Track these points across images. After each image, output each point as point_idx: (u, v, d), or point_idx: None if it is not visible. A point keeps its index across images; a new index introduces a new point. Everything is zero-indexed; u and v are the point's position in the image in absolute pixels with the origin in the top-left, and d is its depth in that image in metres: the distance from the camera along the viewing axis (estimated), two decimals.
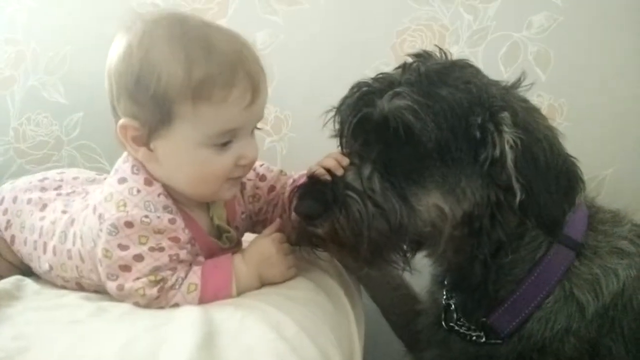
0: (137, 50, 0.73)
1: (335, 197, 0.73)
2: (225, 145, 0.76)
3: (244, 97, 0.74)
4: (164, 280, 0.74)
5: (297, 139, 1.33)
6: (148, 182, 0.78)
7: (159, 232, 0.75)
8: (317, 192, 0.74)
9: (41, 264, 0.86)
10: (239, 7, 1.30)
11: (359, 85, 0.79)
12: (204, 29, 0.76)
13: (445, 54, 0.83)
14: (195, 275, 0.76)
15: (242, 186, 0.90)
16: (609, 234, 0.81)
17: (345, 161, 0.77)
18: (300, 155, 1.25)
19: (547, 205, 0.72)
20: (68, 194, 0.91)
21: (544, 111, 0.82)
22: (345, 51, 1.28)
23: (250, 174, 0.90)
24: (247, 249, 0.83)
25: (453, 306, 0.86)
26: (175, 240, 0.76)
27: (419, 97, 0.73)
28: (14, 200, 0.91)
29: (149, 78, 0.72)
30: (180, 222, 0.77)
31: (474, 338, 0.82)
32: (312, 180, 0.76)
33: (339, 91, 0.82)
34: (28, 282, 0.84)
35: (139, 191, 0.76)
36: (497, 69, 1.23)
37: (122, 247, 0.74)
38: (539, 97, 1.21)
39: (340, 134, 0.82)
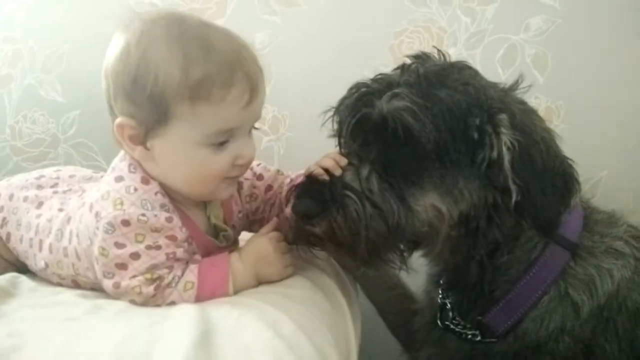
0: (135, 50, 0.73)
1: (333, 197, 0.73)
2: (222, 144, 0.76)
3: (242, 97, 0.74)
4: (160, 278, 0.74)
5: (295, 138, 1.33)
6: (145, 181, 0.77)
7: (156, 230, 0.75)
8: (315, 192, 0.74)
9: (37, 262, 0.86)
10: (238, 7, 1.31)
11: (357, 86, 0.80)
12: (203, 29, 0.76)
13: (443, 55, 0.83)
14: (192, 274, 0.76)
15: (239, 185, 0.90)
16: (605, 235, 0.82)
17: (344, 161, 0.77)
18: (297, 155, 1.26)
19: (544, 207, 0.73)
20: (64, 192, 0.90)
21: (541, 113, 0.82)
22: (344, 52, 1.29)
23: (248, 174, 0.90)
24: (244, 248, 0.83)
25: (449, 305, 0.86)
26: (172, 238, 0.76)
27: (417, 98, 0.73)
28: (10, 197, 0.91)
29: (146, 78, 0.72)
30: (177, 221, 0.77)
31: (470, 337, 0.82)
32: (310, 179, 0.76)
33: (336, 91, 0.82)
34: (24, 279, 0.84)
35: (135, 189, 0.76)
36: (494, 71, 1.23)
37: (119, 246, 0.74)
38: (536, 100, 1.21)
39: (338, 134, 0.82)
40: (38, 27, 1.36)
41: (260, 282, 0.80)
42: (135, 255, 0.74)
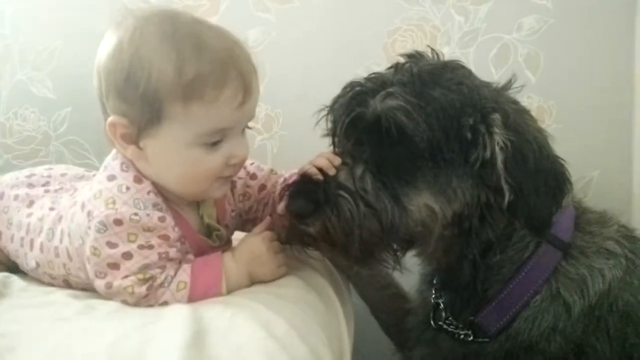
0: (128, 47, 0.72)
1: (327, 197, 0.73)
2: (215, 144, 0.76)
3: (235, 96, 0.74)
4: (152, 278, 0.74)
5: (288, 137, 1.32)
6: (137, 180, 0.77)
7: (149, 229, 0.74)
8: (309, 191, 0.74)
9: (28, 261, 0.85)
10: (231, 4, 1.30)
11: (351, 85, 0.79)
12: (196, 27, 0.75)
13: (437, 54, 0.83)
14: (184, 273, 0.76)
15: (233, 185, 0.90)
16: (596, 235, 0.82)
17: (338, 161, 0.77)
18: (290, 154, 1.26)
19: (536, 206, 0.73)
20: (56, 191, 0.90)
21: (533, 113, 0.82)
22: (337, 50, 1.28)
23: (241, 173, 0.90)
24: (237, 247, 0.82)
25: (442, 305, 0.86)
26: (165, 238, 0.76)
27: (411, 97, 0.73)
28: (1, 196, 0.90)
29: (139, 76, 0.71)
30: (170, 220, 0.77)
31: (462, 336, 0.82)
32: (304, 179, 0.76)
33: (330, 89, 0.82)
34: (14, 279, 0.83)
35: (128, 189, 0.76)
36: (487, 70, 1.24)
37: (111, 245, 0.73)
38: (528, 99, 1.22)
39: (332, 134, 0.82)
40: (29, 23, 1.35)
41: (253, 281, 0.80)
42: (128, 255, 0.73)
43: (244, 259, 0.80)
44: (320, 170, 0.76)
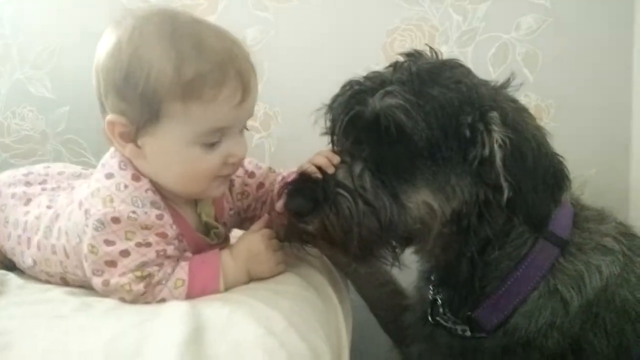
0: (127, 46, 0.72)
1: (325, 195, 0.73)
2: (214, 143, 0.76)
3: (234, 95, 0.74)
4: (150, 275, 0.74)
5: (286, 136, 1.33)
6: (135, 178, 0.77)
7: (146, 227, 0.74)
8: (308, 190, 0.74)
9: (25, 259, 0.85)
10: (229, 3, 1.30)
11: (350, 84, 0.80)
12: (195, 26, 0.75)
13: (435, 53, 0.83)
14: (182, 271, 0.76)
15: (231, 183, 0.90)
16: (594, 232, 0.82)
17: (336, 159, 0.77)
18: (288, 152, 1.26)
19: (535, 203, 0.73)
20: (53, 189, 0.90)
21: (531, 111, 0.83)
22: (336, 48, 1.29)
23: (239, 171, 0.90)
24: (236, 245, 0.82)
25: (440, 301, 0.86)
26: (163, 236, 0.76)
27: (410, 96, 0.73)
28: None
29: (138, 75, 0.71)
30: (167, 218, 0.77)
31: (460, 332, 0.82)
32: (303, 177, 0.76)
33: (328, 88, 0.82)
34: (11, 276, 0.83)
35: (126, 187, 0.76)
36: (486, 69, 1.24)
37: (109, 243, 0.73)
38: (526, 98, 1.22)
39: (331, 132, 0.82)
40: (28, 23, 1.35)
41: (251, 279, 0.80)
42: (125, 253, 0.73)
43: (242, 256, 0.80)
44: (319, 168, 0.76)
